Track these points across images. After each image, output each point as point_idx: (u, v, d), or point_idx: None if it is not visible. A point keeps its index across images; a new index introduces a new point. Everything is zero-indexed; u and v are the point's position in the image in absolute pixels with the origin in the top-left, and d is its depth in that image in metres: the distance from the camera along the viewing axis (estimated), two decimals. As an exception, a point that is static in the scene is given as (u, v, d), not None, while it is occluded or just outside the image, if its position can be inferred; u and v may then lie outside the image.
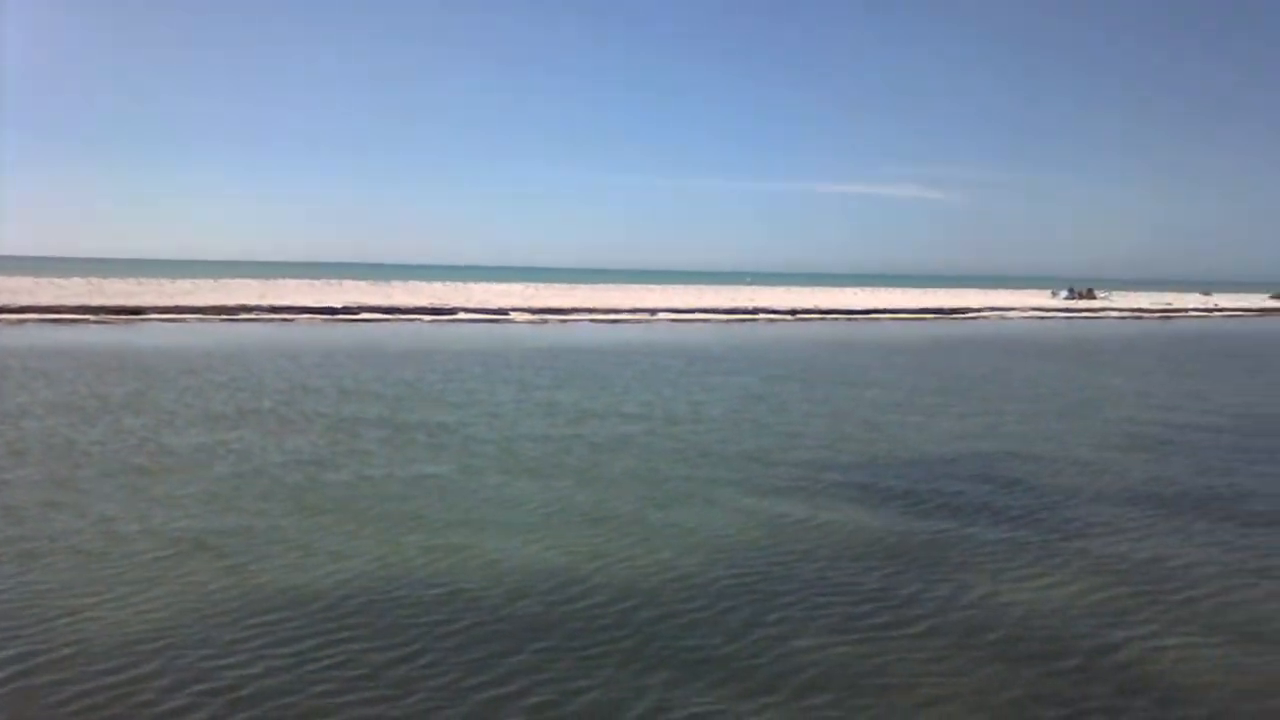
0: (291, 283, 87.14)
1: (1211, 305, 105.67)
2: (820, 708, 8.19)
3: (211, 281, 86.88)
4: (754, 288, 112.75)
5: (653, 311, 65.96)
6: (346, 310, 56.98)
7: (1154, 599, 10.87)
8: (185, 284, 79.57)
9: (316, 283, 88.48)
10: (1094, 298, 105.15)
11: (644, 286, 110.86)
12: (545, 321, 58.66)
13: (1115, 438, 21.24)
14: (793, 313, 69.88)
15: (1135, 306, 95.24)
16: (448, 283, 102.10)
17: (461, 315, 58.82)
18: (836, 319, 69.25)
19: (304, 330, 47.64)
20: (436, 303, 64.09)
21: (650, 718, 8.02)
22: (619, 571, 11.45)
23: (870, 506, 14.71)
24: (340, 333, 46.58)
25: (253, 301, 58.43)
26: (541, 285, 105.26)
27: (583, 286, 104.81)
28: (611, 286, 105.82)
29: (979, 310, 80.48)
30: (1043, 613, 10.43)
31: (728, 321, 63.46)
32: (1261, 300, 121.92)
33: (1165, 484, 16.70)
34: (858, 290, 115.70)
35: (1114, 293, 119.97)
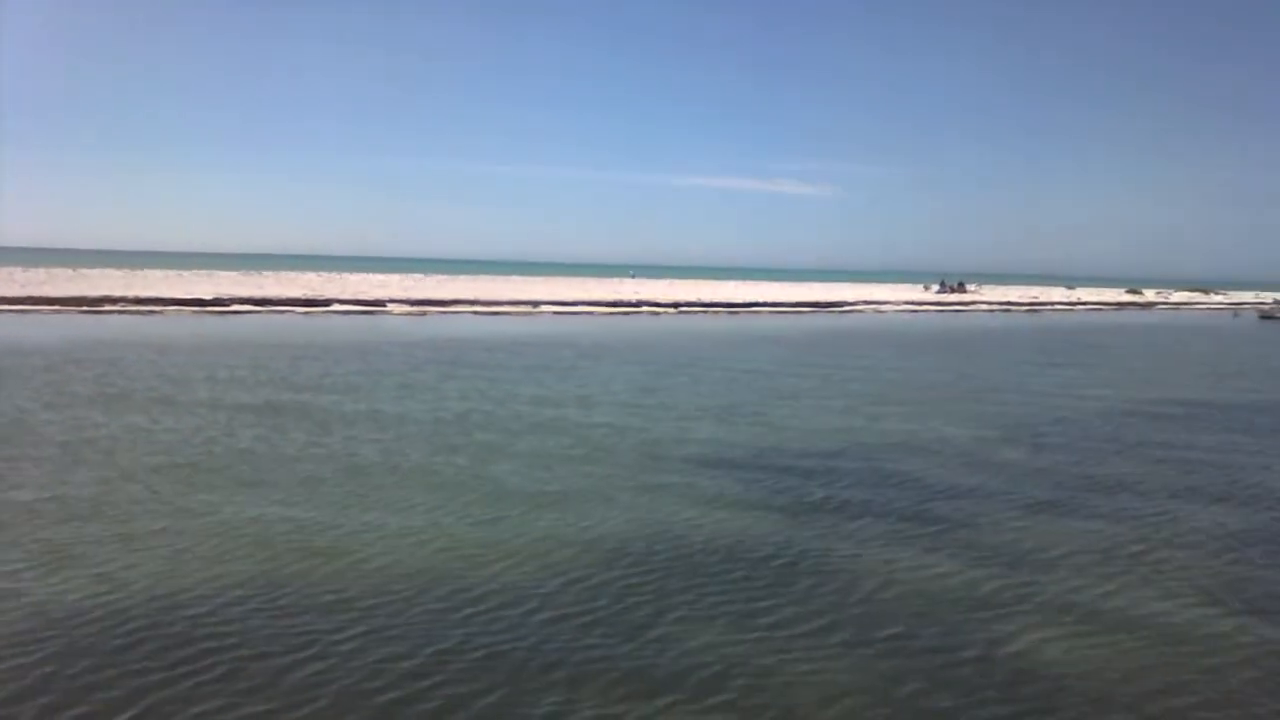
0: (158, 273, 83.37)
1: (1075, 299, 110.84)
2: (720, 706, 8.10)
3: (69, 271, 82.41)
4: (637, 281, 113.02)
5: (535, 304, 65.45)
6: (217, 302, 54.79)
7: (1038, 588, 11.14)
8: (39, 273, 75.27)
9: (185, 273, 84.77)
10: (965, 291, 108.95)
11: (526, 278, 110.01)
12: (424, 313, 57.53)
13: (995, 428, 21.88)
14: (675, 306, 70.30)
15: (1004, 300, 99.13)
16: (321, 273, 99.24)
17: (336, 307, 57.23)
18: (718, 312, 69.96)
19: (170, 323, 45.53)
20: (310, 294, 62.23)
21: (503, 708, 7.94)
22: (513, 572, 11.15)
23: (763, 501, 14.74)
24: (210, 325, 44.69)
25: (117, 292, 55.68)
26: (420, 276, 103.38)
27: (462, 277, 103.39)
28: (493, 278, 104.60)
29: (854, 304, 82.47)
30: (933, 604, 10.57)
31: (611, 314, 63.38)
32: (1118, 294, 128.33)
33: (1045, 474, 17.25)
34: (738, 284, 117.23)
35: (984, 286, 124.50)
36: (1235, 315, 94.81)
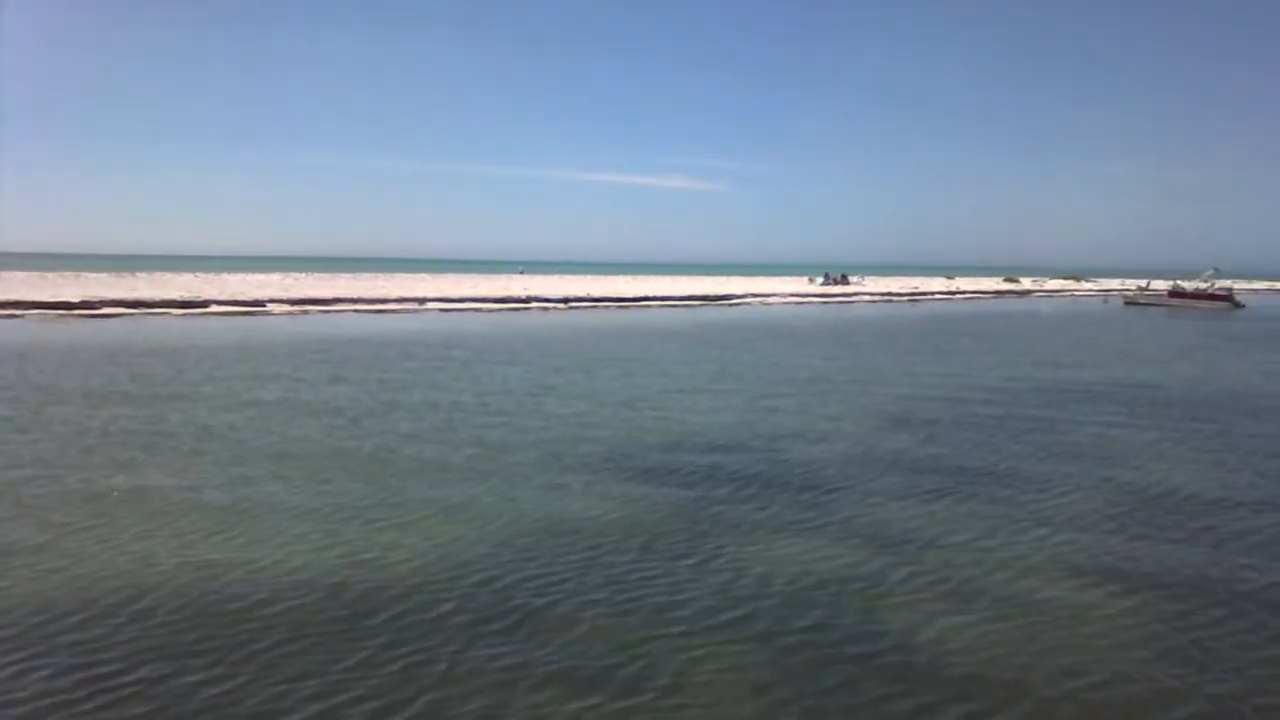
0: (19, 274, 79.06)
1: (955, 288, 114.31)
2: (645, 706, 8.02)
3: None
4: (526, 276, 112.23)
5: (422, 301, 64.32)
6: (86, 305, 52.21)
7: (943, 573, 11.38)
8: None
9: (50, 275, 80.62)
10: (849, 283, 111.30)
11: (412, 275, 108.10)
12: (306, 312, 55.94)
13: (888, 416, 22.36)
14: (565, 301, 69.99)
15: (886, 291, 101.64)
16: (199, 274, 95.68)
17: (215, 308, 55.14)
18: (609, 306, 69.93)
19: (34, 329, 43.21)
20: (187, 295, 59.88)
21: (430, 715, 7.82)
22: (422, 576, 10.86)
23: (671, 495, 14.73)
24: (75, 330, 42.55)
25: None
26: (301, 275, 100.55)
27: (345, 276, 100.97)
28: (375, 276, 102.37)
29: (743, 297, 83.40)
30: (845, 593, 10.69)
31: (500, 310, 62.76)
32: (996, 283, 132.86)
33: (939, 459, 17.70)
34: (629, 278, 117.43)
35: (867, 278, 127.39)
36: (1104, 301, 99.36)
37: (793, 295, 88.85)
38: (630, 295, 76.70)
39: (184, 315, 51.80)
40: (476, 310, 62.22)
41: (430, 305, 63.01)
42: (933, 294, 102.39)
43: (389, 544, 11.94)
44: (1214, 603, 10.51)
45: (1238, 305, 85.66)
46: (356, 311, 57.99)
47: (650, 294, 78.82)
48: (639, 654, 8.95)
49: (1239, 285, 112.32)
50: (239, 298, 59.74)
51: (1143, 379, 30.66)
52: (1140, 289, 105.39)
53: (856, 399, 25.05)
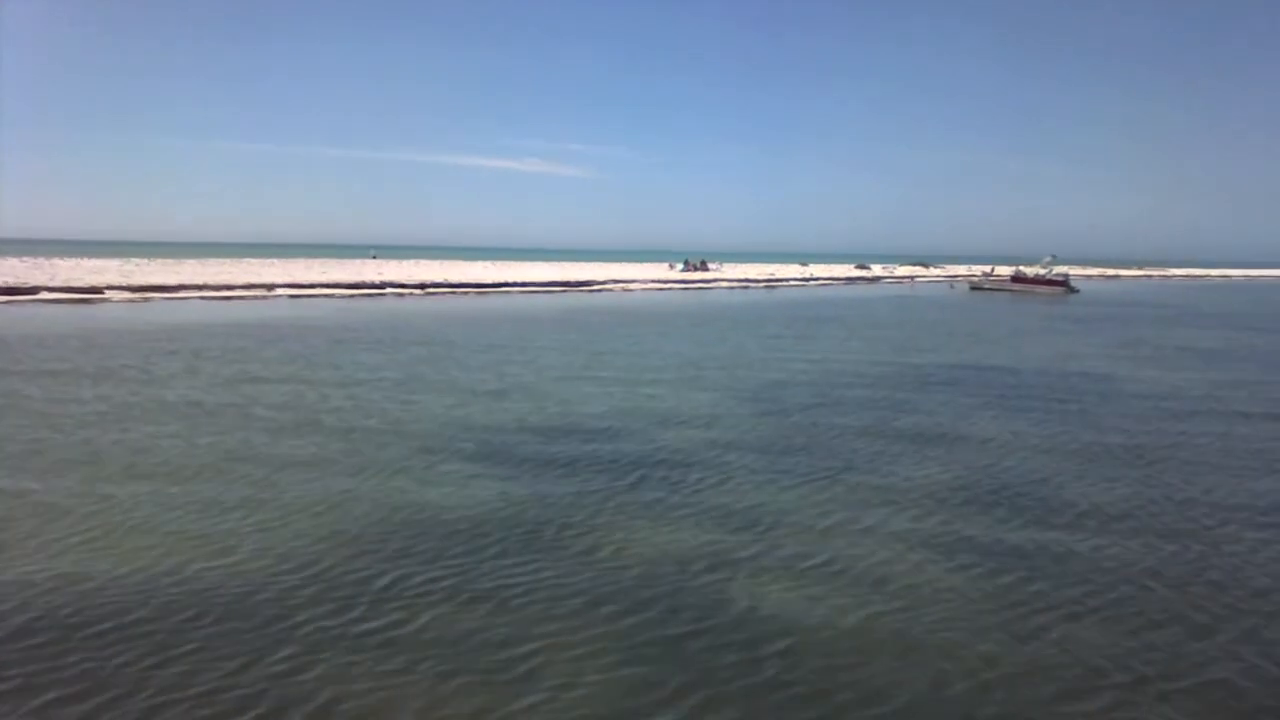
0: None
1: (809, 275, 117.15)
2: (496, 684, 7.98)
3: None
4: (380, 262, 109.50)
5: (271, 287, 62.05)
6: (-105, 291, 48.34)
7: (798, 550, 11.74)
8: None
9: None
10: (707, 269, 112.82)
11: (260, 261, 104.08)
12: (149, 300, 53.26)
13: (745, 398, 22.82)
14: (422, 287, 68.73)
15: (744, 277, 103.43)
16: (26, 258, 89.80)
17: (45, 295, 51.90)
18: (467, 292, 69.00)
19: None
20: (14, 282, 56.15)
21: (273, 703, 7.70)
22: (270, 561, 10.58)
23: (540, 485, 14.64)
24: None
25: None
26: (142, 261, 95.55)
27: (190, 261, 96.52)
28: (222, 261, 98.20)
29: (603, 283, 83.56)
30: (695, 571, 10.93)
31: (354, 297, 61.14)
32: (848, 270, 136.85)
33: (794, 440, 18.16)
34: (487, 264, 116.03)
35: (725, 264, 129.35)
36: (951, 287, 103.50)
37: (653, 282, 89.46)
38: (490, 281, 75.87)
39: (9, 302, 48.57)
40: (329, 296, 60.44)
41: (280, 292, 60.88)
42: (788, 280, 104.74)
43: (258, 549, 11.48)
44: (1040, 574, 11.07)
45: (1073, 290, 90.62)
46: (203, 299, 55.51)
47: (511, 280, 78.12)
48: (493, 635, 8.96)
49: (1074, 271, 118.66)
50: (73, 284, 56.35)
51: (992, 362, 32.10)
52: (985, 275, 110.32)
53: (726, 384, 25.37)
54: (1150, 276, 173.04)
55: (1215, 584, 10.83)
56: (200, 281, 61.93)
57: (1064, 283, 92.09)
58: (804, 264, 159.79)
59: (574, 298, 68.40)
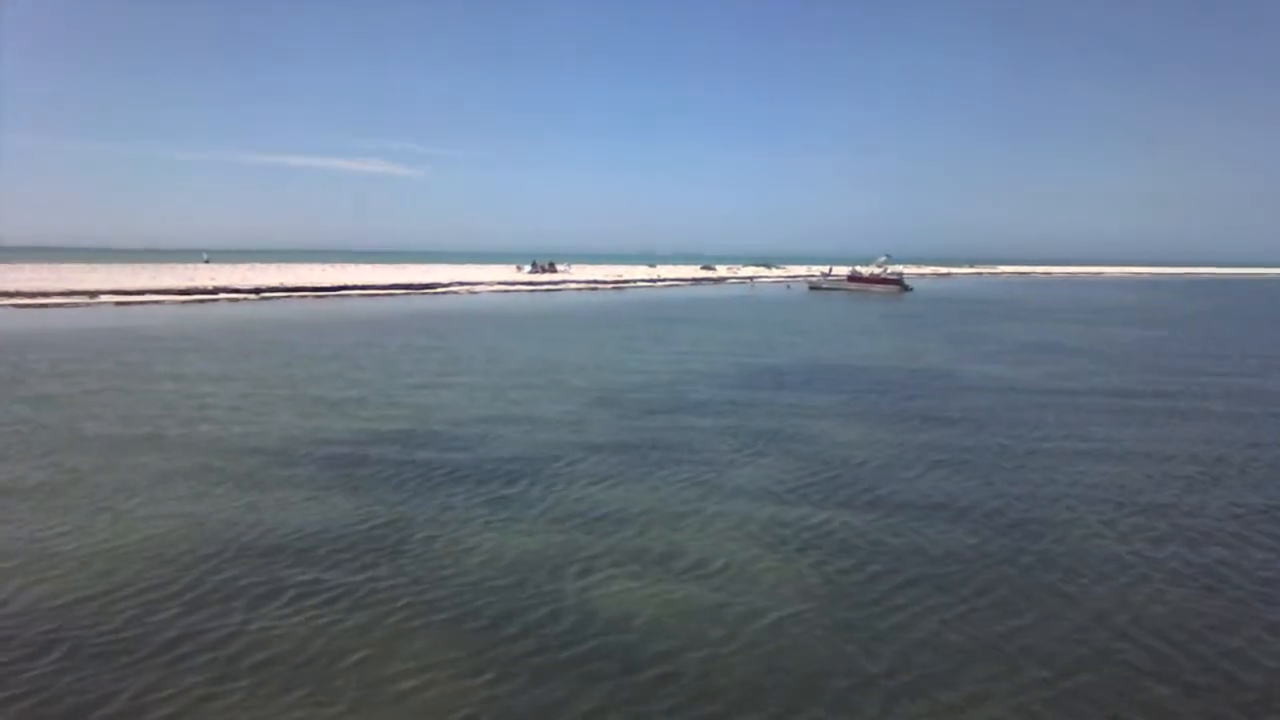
0: None
1: (656, 276, 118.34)
2: (334, 689, 7.70)
3: None
4: (213, 266, 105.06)
5: (93, 294, 58.69)
6: None
7: (625, 546, 11.80)
8: None
9: None
10: (555, 271, 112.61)
11: (83, 265, 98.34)
12: (-49, 309, 49.65)
13: (602, 402, 22.76)
14: (258, 292, 66.26)
15: (593, 278, 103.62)
16: None
17: None
18: (305, 296, 66.89)
19: None
20: None
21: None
22: (121, 563, 9.97)
23: (393, 487, 14.42)
24: None
25: None
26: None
27: None
28: (39, 265, 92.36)
29: (449, 285, 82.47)
30: (517, 561, 11.07)
31: (186, 303, 58.42)
32: (694, 270, 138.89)
33: (634, 439, 18.19)
34: (326, 266, 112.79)
35: (573, 266, 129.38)
36: (788, 287, 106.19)
37: (500, 284, 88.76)
38: (329, 284, 73.77)
39: None
40: (158, 303, 57.60)
41: (104, 299, 57.66)
42: (636, 282, 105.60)
43: (93, 574, 10.80)
44: (873, 560, 11.43)
45: (906, 288, 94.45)
46: (15, 306, 52.07)
47: (351, 283, 76.20)
48: (331, 643, 8.77)
49: (908, 270, 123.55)
50: None
51: (837, 359, 33.09)
52: (823, 275, 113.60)
53: (584, 387, 25.25)
54: (980, 274, 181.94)
55: (1055, 565, 11.31)
56: (13, 289, 58.12)
57: (898, 281, 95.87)
58: (652, 265, 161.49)
59: (418, 301, 67.18)
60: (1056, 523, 13.12)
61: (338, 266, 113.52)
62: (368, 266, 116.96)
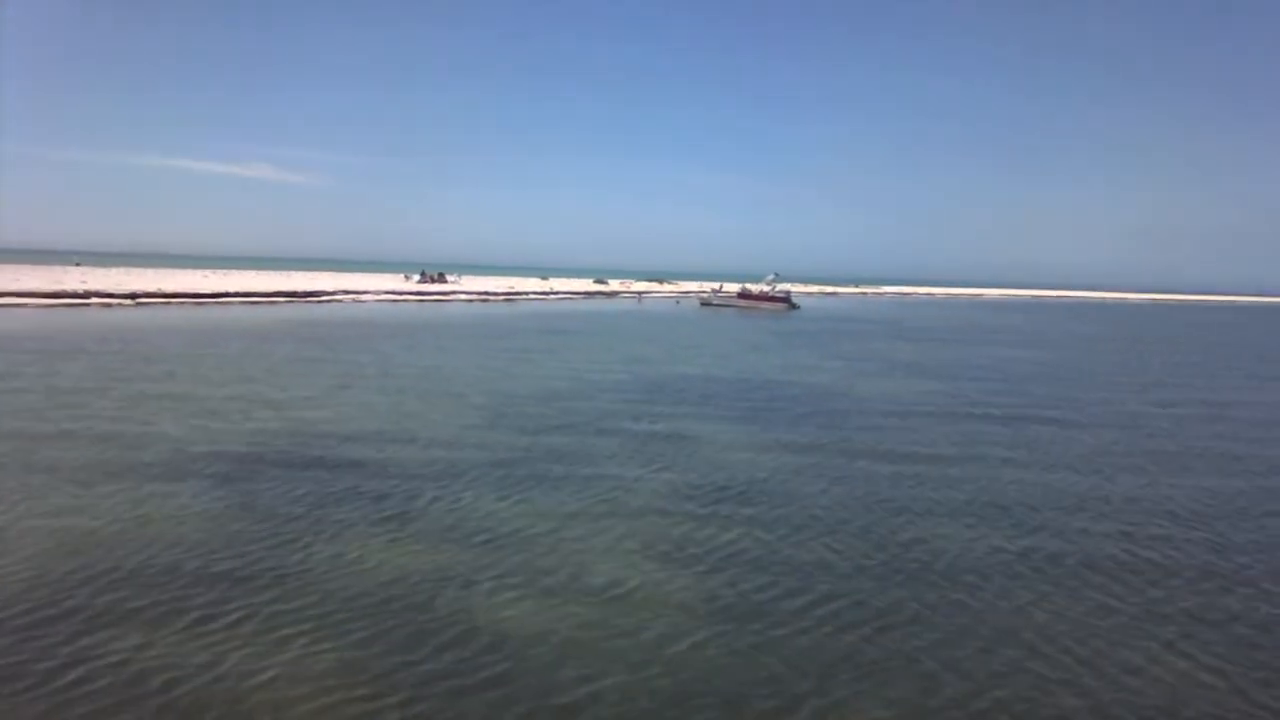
0: None
1: (549, 289, 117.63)
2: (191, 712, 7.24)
3: None
4: (84, 269, 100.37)
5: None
6: None
7: (524, 560, 11.63)
8: None
9: None
10: (445, 281, 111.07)
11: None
12: None
13: (478, 414, 22.40)
14: (133, 297, 63.46)
15: (484, 290, 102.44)
16: None
17: None
18: (183, 303, 64.32)
19: None
20: None
21: None
22: None
23: (276, 494, 14.03)
24: None
25: None
26: None
27: None
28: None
29: (334, 293, 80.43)
30: (424, 580, 10.81)
31: (53, 307, 55.56)
32: (587, 285, 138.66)
33: (520, 453, 17.94)
34: (208, 272, 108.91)
35: (464, 277, 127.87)
36: (678, 303, 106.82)
37: (388, 293, 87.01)
38: (210, 291, 71.11)
39: None
40: (22, 306, 54.68)
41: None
42: (528, 294, 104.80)
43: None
44: (785, 577, 11.45)
45: (794, 306, 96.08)
46: None
47: (232, 290, 73.64)
48: (202, 665, 8.25)
49: (796, 288, 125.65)
50: None
51: (729, 373, 33.34)
52: (714, 291, 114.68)
53: (478, 401, 24.90)
54: (865, 294, 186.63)
55: (959, 582, 11.50)
56: None
57: (786, 299, 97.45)
58: (545, 278, 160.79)
59: (303, 309, 65.24)
60: (958, 539, 13.40)
61: (220, 273, 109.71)
62: (251, 273, 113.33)
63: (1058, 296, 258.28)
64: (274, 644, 8.98)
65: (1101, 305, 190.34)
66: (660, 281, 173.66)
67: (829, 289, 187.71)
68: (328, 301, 75.14)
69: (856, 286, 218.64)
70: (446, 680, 8.42)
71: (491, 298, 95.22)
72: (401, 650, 8.97)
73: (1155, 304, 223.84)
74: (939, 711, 8.28)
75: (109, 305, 59.08)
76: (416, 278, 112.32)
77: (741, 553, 12.39)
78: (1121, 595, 11.37)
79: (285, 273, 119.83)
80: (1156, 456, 20.28)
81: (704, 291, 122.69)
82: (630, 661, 8.97)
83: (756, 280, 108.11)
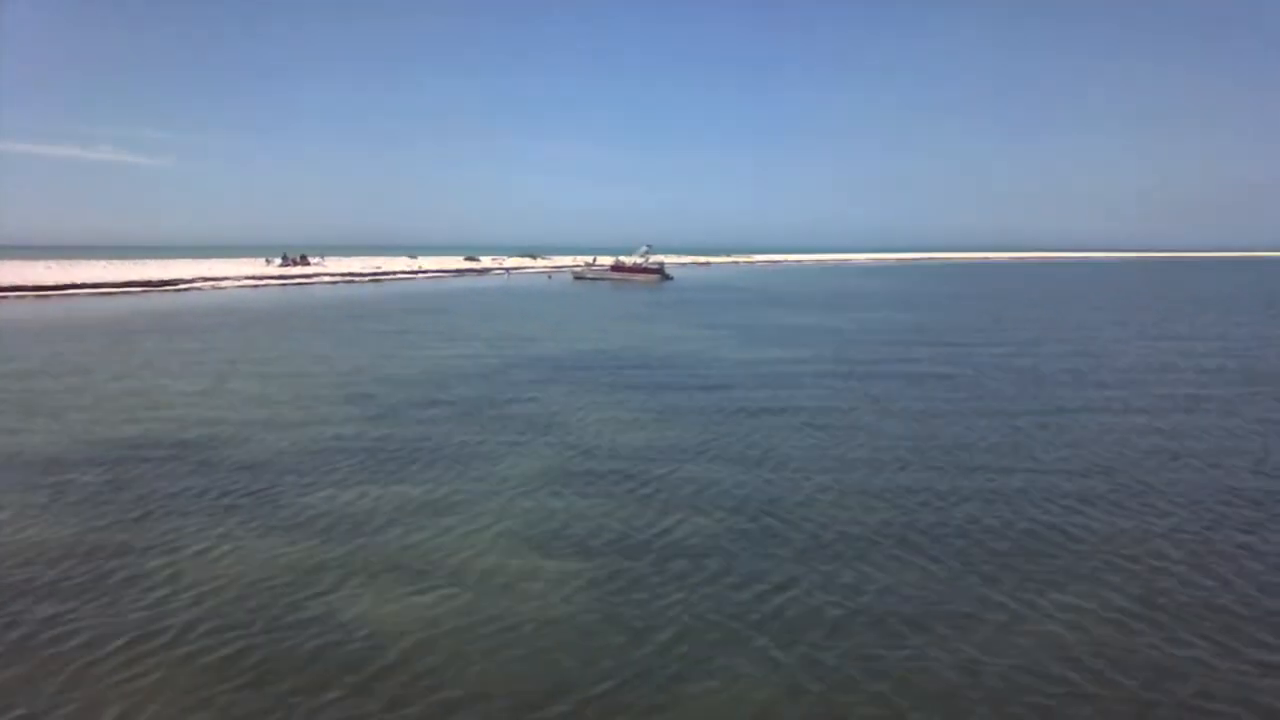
0: None
1: (418, 267, 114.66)
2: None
3: None
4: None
5: None
6: None
7: (380, 555, 11.10)
8: None
9: None
10: (309, 264, 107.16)
11: None
12: None
13: (339, 399, 21.57)
14: (-36, 292, 59.00)
15: (348, 271, 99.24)
16: None
17: None
18: (24, 297, 60.21)
19: None
20: None
21: None
22: None
23: (108, 494, 13.10)
24: None
25: None
26: None
27: None
28: None
29: (192, 281, 76.68)
30: (278, 580, 10.25)
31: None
32: (458, 262, 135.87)
33: (387, 440, 17.24)
34: (50, 264, 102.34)
35: (329, 258, 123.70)
36: (549, 278, 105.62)
37: (249, 278, 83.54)
38: (53, 283, 66.75)
39: None
40: None
41: None
42: (396, 274, 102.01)
43: None
44: (635, 557, 11.13)
45: (668, 277, 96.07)
46: None
47: (79, 280, 69.32)
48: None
49: (669, 259, 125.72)
50: None
51: (601, 347, 33.07)
52: (587, 264, 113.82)
53: (334, 383, 24.03)
54: (737, 263, 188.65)
55: (814, 552, 11.36)
56: None
57: (660, 270, 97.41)
58: (413, 256, 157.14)
59: (159, 299, 61.88)
60: (810, 504, 13.33)
61: (63, 263, 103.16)
62: (100, 263, 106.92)
63: (925, 259, 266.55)
64: (128, 661, 8.32)
65: (966, 265, 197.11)
66: (533, 256, 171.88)
67: (701, 259, 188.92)
68: (186, 290, 71.55)
69: (728, 256, 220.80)
70: (301, 674, 8.05)
71: (357, 279, 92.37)
72: (252, 651, 8.45)
73: (1013, 262, 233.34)
74: (822, 682, 8.10)
75: (-62, 302, 54.71)
76: (279, 261, 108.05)
77: (602, 533, 12.00)
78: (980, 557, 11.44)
79: (137, 261, 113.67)
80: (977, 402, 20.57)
81: (577, 265, 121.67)
82: (495, 649, 8.61)
83: (630, 253, 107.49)
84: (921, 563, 10.96)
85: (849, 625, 9.20)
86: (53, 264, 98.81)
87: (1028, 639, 8.91)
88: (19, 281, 65.82)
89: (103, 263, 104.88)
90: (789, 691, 7.93)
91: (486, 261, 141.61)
